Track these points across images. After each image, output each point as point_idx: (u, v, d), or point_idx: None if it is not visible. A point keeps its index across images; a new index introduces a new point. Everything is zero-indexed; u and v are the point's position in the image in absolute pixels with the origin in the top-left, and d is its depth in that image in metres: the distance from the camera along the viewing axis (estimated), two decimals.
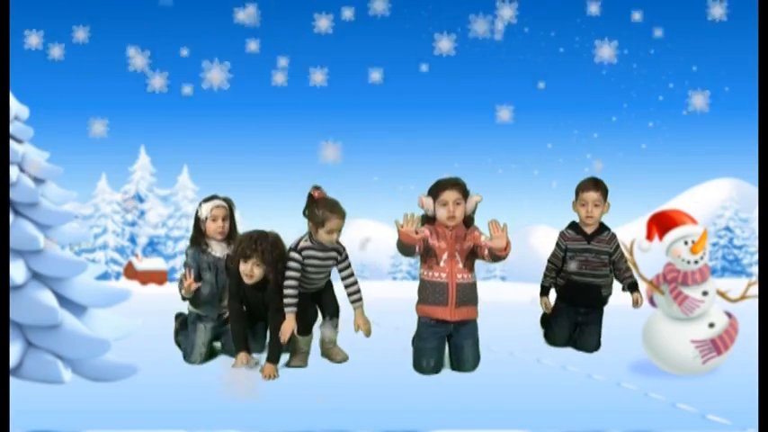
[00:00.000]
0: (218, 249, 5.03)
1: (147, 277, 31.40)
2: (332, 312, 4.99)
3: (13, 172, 4.29)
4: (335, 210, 4.62)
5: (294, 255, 4.68)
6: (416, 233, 4.43)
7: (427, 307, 4.71)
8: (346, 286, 4.83)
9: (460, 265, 4.67)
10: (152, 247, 36.81)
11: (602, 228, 5.41)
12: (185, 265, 5.04)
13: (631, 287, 5.32)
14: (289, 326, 4.58)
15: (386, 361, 4.90)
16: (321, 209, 4.61)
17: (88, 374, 4.37)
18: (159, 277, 31.73)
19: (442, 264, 4.66)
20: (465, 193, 4.70)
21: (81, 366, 4.37)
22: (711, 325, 4.46)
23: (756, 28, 4.68)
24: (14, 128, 4.36)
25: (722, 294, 4.56)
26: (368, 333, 4.79)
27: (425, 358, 4.67)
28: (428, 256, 4.68)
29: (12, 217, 4.27)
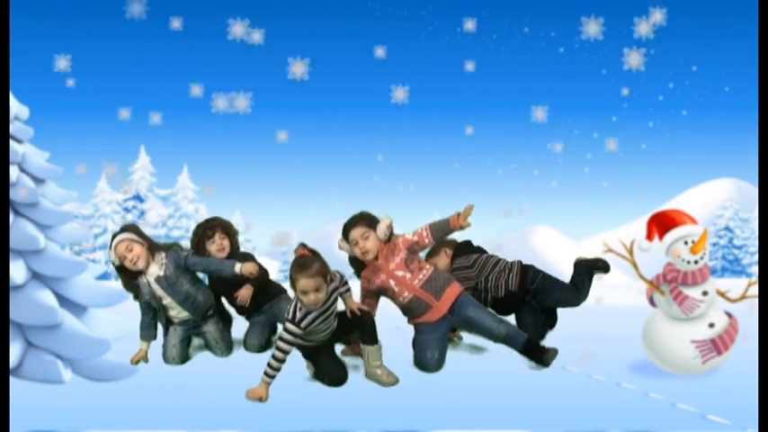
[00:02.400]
0: (153, 270, 4.89)
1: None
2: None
3: (13, 172, 4.29)
4: (303, 269, 4.11)
5: (291, 327, 4.17)
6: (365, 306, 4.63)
7: (418, 319, 4.78)
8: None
9: (409, 275, 4.71)
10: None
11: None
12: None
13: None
14: (259, 392, 4.06)
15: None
16: (291, 270, 4.17)
17: (88, 374, 4.37)
18: None
19: (396, 289, 4.72)
20: (371, 224, 4.73)
21: (81, 366, 4.37)
22: (711, 325, 4.46)
23: (756, 28, 4.68)
24: (14, 128, 4.37)
25: (722, 294, 4.56)
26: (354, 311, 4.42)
27: (429, 350, 4.67)
28: (381, 294, 4.83)
29: (12, 217, 4.28)
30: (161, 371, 4.67)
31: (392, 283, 4.71)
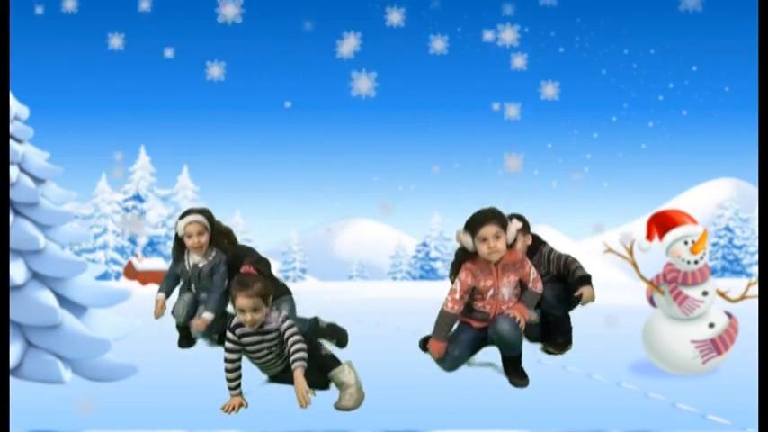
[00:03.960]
0: (194, 260, 5.47)
1: (147, 277, 31.41)
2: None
3: (13, 172, 4.29)
4: (243, 287, 3.96)
5: (228, 334, 4.06)
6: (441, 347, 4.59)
7: (468, 319, 4.70)
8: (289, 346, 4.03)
9: (507, 298, 4.59)
10: (152, 247, 36.80)
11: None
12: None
13: (582, 281, 5.28)
14: (232, 403, 3.88)
15: (386, 361, 4.90)
16: (232, 287, 4.04)
17: (88, 374, 4.37)
18: (159, 277, 31.67)
19: (487, 298, 4.60)
20: (504, 224, 4.50)
21: (81, 366, 4.37)
22: (711, 325, 4.46)
23: (756, 28, 4.68)
24: (14, 128, 4.37)
25: (722, 294, 4.56)
26: (304, 403, 3.78)
27: (458, 348, 4.64)
28: (475, 293, 4.62)
29: (12, 217, 4.28)
30: (161, 371, 4.67)
31: (491, 292, 4.56)
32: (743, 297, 4.54)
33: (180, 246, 5.48)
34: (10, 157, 4.26)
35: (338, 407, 3.85)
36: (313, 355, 4.02)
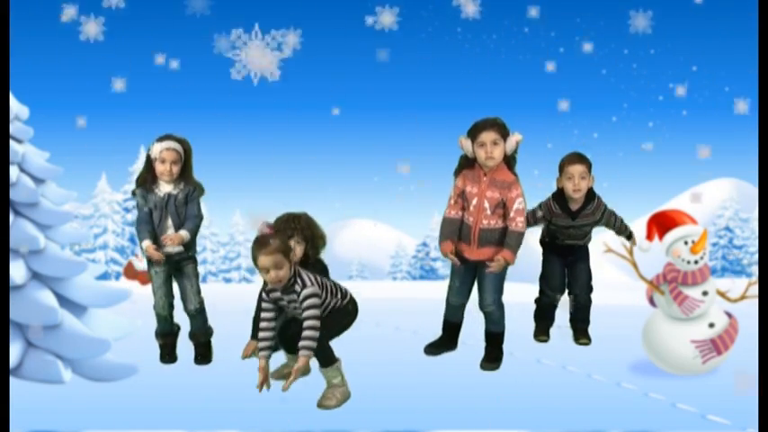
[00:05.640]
0: (166, 189, 5.01)
1: (147, 277, 31.35)
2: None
3: (13, 172, 4.29)
4: (262, 246, 4.02)
5: (263, 295, 4.19)
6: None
7: (459, 243, 4.84)
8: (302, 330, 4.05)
9: (489, 213, 4.72)
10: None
11: (588, 200, 5.31)
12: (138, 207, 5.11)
13: (629, 238, 5.38)
14: (259, 366, 4.03)
15: (386, 361, 4.90)
16: (251, 249, 4.11)
17: (88, 374, 4.37)
18: None
19: (471, 208, 4.75)
20: (504, 133, 4.68)
21: (81, 366, 4.37)
22: (711, 325, 4.46)
23: (756, 28, 4.68)
24: (14, 128, 4.37)
25: (722, 294, 4.56)
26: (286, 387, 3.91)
27: (455, 296, 4.97)
28: (464, 200, 4.81)
29: (12, 217, 4.28)
30: (161, 371, 4.67)
31: (476, 201, 4.72)
32: (743, 297, 4.54)
33: (152, 175, 5.03)
34: (10, 157, 4.26)
35: (321, 405, 3.94)
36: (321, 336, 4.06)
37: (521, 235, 4.73)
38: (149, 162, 5.00)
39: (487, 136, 4.64)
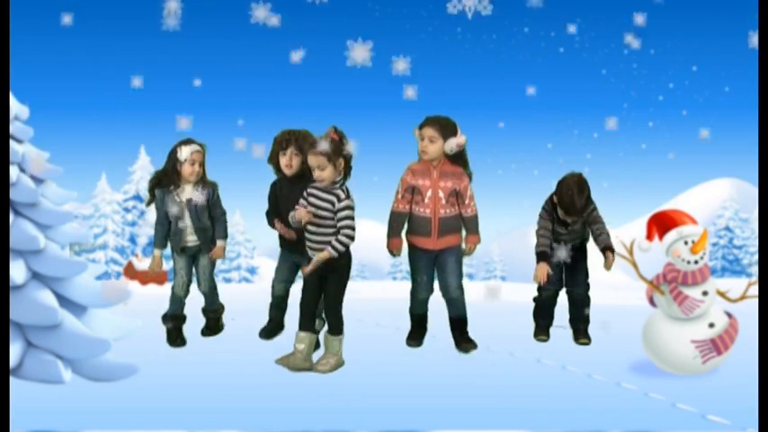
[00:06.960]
0: (189, 191, 5.36)
1: (147, 277, 31.38)
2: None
3: (13, 172, 4.29)
4: (312, 146, 4.52)
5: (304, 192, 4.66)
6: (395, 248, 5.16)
7: (414, 238, 5.12)
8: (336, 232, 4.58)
9: (444, 202, 4.99)
10: (152, 246, 36.70)
11: (586, 205, 5.35)
12: (153, 204, 5.49)
13: (604, 250, 5.33)
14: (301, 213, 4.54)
15: (386, 361, 4.90)
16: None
17: (88, 374, 4.37)
18: (159, 277, 31.73)
19: (426, 201, 4.99)
20: (444, 132, 4.92)
21: (81, 366, 4.37)
22: (711, 325, 4.46)
23: (756, 28, 4.68)
24: (14, 128, 4.36)
25: (722, 294, 4.56)
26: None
27: (419, 274, 5.14)
28: (415, 194, 5.02)
29: (12, 217, 4.28)
30: (161, 371, 4.67)
31: (429, 192, 4.97)
32: (743, 297, 4.54)
33: (176, 176, 5.34)
34: (10, 157, 4.26)
35: (316, 369, 4.49)
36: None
37: (477, 217, 5.14)
38: (174, 164, 5.33)
39: (426, 131, 4.96)
